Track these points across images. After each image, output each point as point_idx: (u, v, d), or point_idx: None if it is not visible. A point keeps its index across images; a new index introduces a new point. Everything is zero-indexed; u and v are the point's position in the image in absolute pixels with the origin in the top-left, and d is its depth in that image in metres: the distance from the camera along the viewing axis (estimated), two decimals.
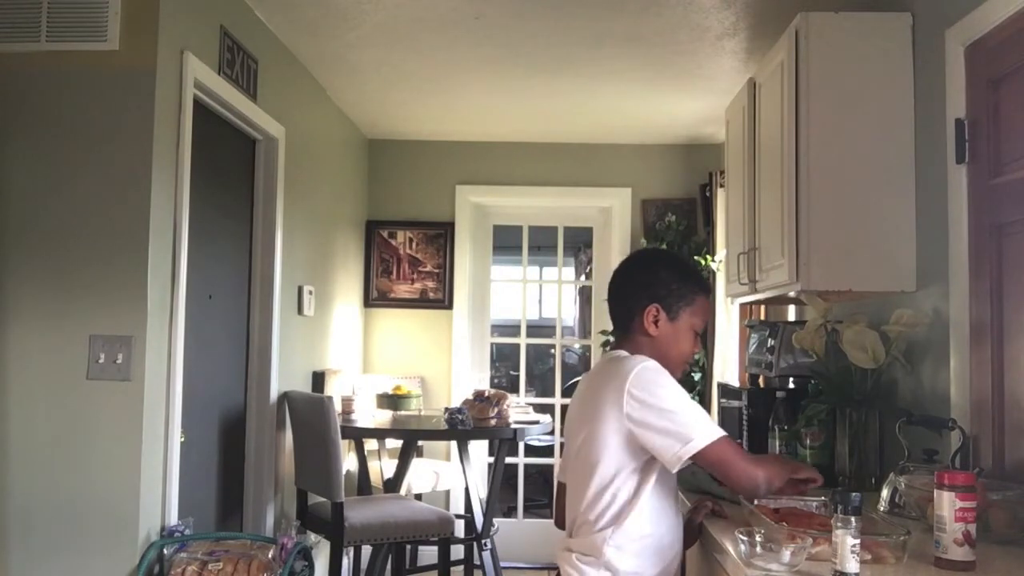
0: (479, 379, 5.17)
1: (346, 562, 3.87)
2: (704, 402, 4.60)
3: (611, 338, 2.00)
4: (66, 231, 2.44)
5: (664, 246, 4.79)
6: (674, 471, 1.72)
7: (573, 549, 1.78)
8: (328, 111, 4.32)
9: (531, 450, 5.23)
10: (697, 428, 1.68)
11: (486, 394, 4.03)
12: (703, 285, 1.93)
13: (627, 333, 1.89)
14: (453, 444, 4.49)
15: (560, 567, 1.81)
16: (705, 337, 4.62)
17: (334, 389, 4.10)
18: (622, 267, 1.96)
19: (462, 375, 5.06)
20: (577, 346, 6.65)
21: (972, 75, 2.14)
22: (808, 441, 2.49)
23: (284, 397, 3.57)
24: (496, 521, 4.08)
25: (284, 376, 3.58)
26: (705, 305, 1.91)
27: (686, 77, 3.81)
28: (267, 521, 3.39)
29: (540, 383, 6.94)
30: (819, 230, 2.44)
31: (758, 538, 1.57)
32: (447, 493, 4.89)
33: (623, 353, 1.83)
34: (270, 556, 2.50)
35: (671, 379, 1.75)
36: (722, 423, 3.22)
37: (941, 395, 2.24)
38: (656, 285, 1.86)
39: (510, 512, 5.32)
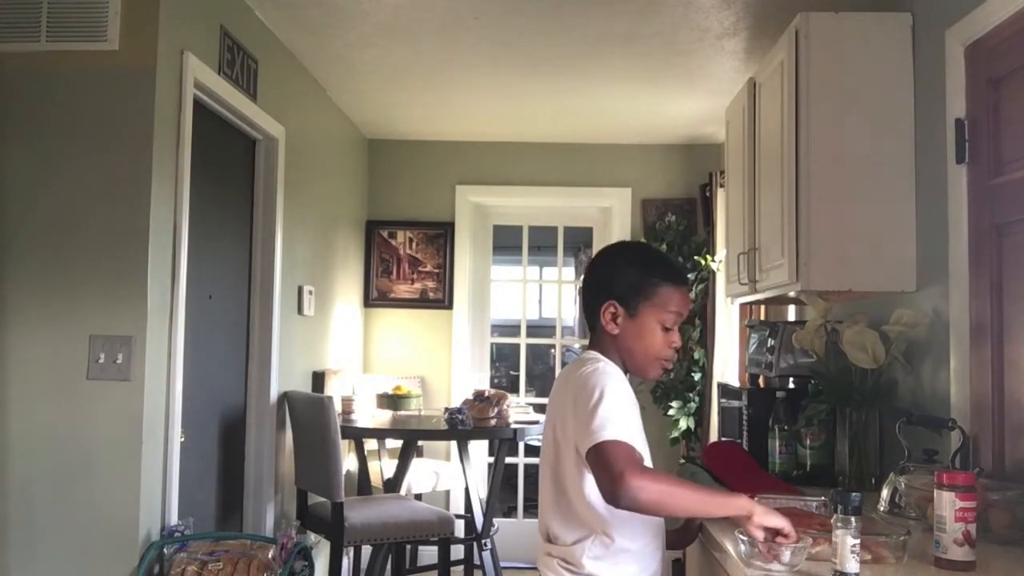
0: (479, 379, 5.17)
1: (346, 562, 3.87)
2: (704, 402, 4.60)
3: None
4: (66, 231, 2.44)
5: (664, 246, 4.79)
6: (581, 480, 1.61)
7: (555, 555, 1.72)
8: (328, 111, 4.32)
9: (531, 450, 5.22)
10: (605, 425, 1.52)
11: (486, 394, 4.03)
12: (670, 275, 1.74)
13: (594, 333, 1.78)
14: (453, 444, 4.49)
15: (542, 572, 1.77)
16: (705, 337, 4.62)
17: (334, 389, 4.10)
18: (588, 265, 1.86)
19: (462, 375, 5.06)
20: (577, 346, 6.65)
21: (972, 75, 2.14)
22: (808, 441, 2.49)
23: (284, 397, 3.57)
24: (496, 521, 4.08)
25: (284, 376, 3.57)
26: (674, 297, 1.72)
27: (686, 77, 3.81)
28: (267, 521, 3.39)
29: (540, 383, 6.94)
30: (819, 230, 2.44)
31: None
32: (447, 493, 4.89)
33: (591, 354, 1.73)
34: (270, 556, 2.50)
35: (613, 383, 1.61)
36: (722, 423, 3.23)
37: (941, 395, 2.24)
38: (612, 280, 1.73)
39: (510, 512, 5.32)
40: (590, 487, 1.61)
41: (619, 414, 1.57)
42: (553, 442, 1.71)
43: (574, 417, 1.60)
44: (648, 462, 1.71)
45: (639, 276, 1.72)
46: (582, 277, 1.87)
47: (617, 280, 1.73)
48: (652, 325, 1.71)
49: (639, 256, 1.81)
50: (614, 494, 1.46)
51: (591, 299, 1.77)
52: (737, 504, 1.54)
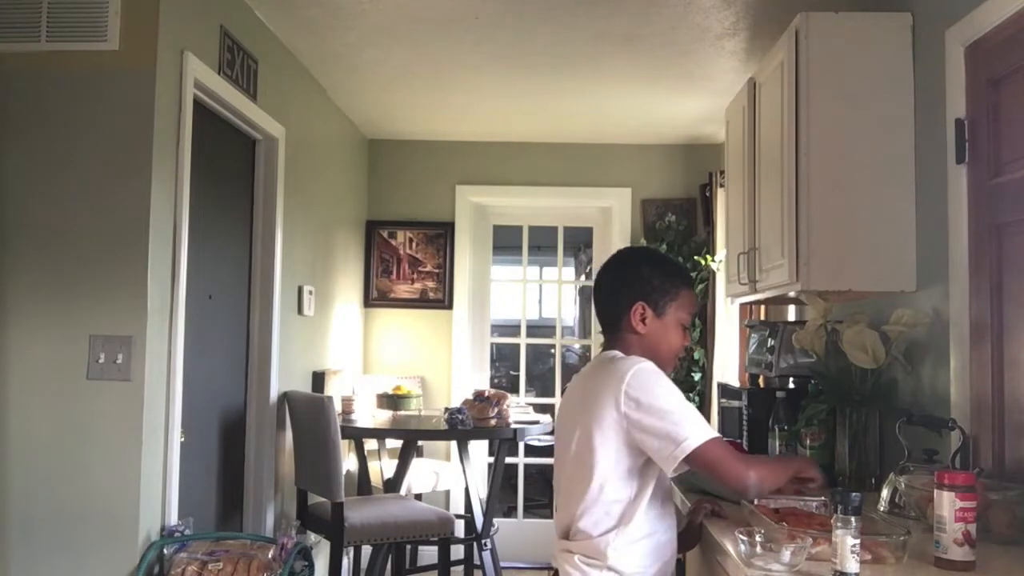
0: (479, 379, 5.17)
1: (346, 562, 3.87)
2: (704, 402, 4.61)
3: None
4: (66, 231, 2.44)
5: (664, 246, 4.79)
6: (670, 474, 1.71)
7: (574, 551, 1.75)
8: (328, 111, 4.32)
9: (531, 450, 5.23)
10: (690, 429, 1.66)
11: (486, 394, 4.03)
12: (685, 278, 1.92)
13: (616, 333, 1.88)
14: (453, 444, 4.49)
15: (560, 568, 1.79)
16: (705, 337, 4.62)
17: (334, 389, 4.10)
18: (605, 268, 1.96)
19: (462, 375, 5.06)
20: (577, 346, 6.65)
21: (972, 75, 2.14)
22: (808, 441, 2.49)
23: (284, 397, 3.57)
24: (496, 521, 4.08)
25: (284, 376, 3.58)
26: (690, 298, 1.90)
27: (686, 77, 3.81)
28: (267, 521, 3.39)
29: (540, 383, 6.93)
30: (819, 230, 2.44)
31: (758, 538, 1.58)
32: (447, 493, 4.89)
33: (617, 353, 1.82)
34: (270, 556, 2.50)
35: (667, 380, 1.74)
36: (722, 423, 3.23)
37: (941, 395, 2.24)
38: (640, 283, 1.86)
39: (510, 512, 5.32)
40: (625, 478, 1.71)
41: (691, 408, 1.70)
42: (577, 438, 1.75)
43: (650, 416, 1.68)
44: None
45: (665, 279, 1.87)
46: (597, 280, 1.97)
47: (645, 283, 1.86)
48: (675, 325, 1.87)
49: (661, 261, 1.95)
50: (744, 490, 1.71)
51: (614, 301, 1.88)
52: (796, 465, 1.86)
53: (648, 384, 1.70)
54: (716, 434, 1.69)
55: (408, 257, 5.11)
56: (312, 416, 3.39)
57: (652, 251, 2.11)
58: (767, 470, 1.73)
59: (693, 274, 4.66)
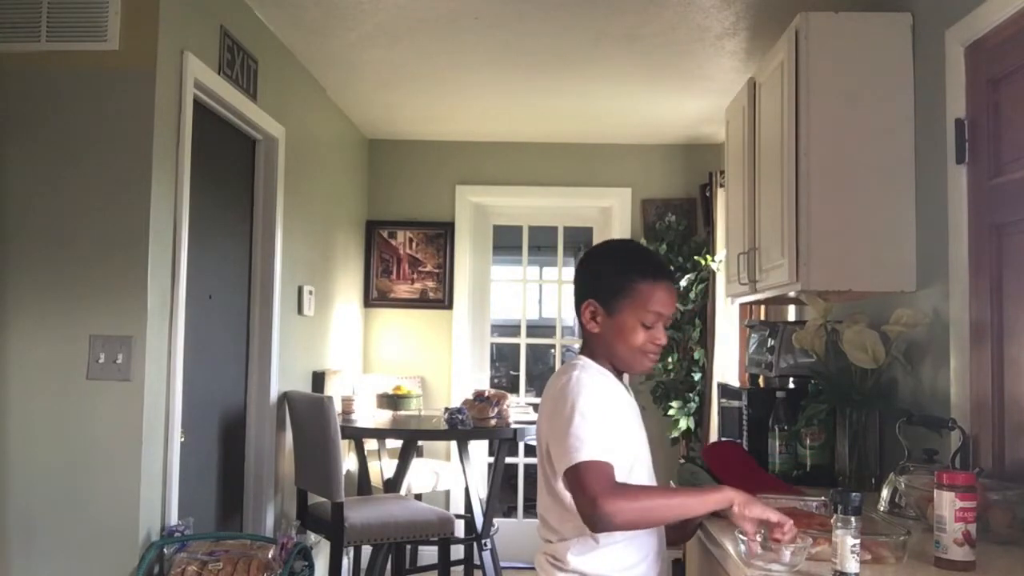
0: (479, 379, 5.17)
1: (346, 562, 3.87)
2: (704, 402, 4.60)
3: None
4: (66, 231, 2.44)
5: (664, 246, 4.79)
6: (558, 485, 1.61)
7: (546, 551, 1.73)
8: (328, 111, 4.32)
9: (531, 450, 5.21)
10: (580, 444, 1.52)
11: (486, 394, 4.03)
12: (649, 273, 1.68)
13: (582, 333, 1.77)
14: (453, 444, 4.49)
15: (536, 568, 1.79)
16: (705, 337, 4.62)
17: (334, 389, 4.10)
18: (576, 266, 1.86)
19: (462, 375, 5.06)
20: (577, 346, 6.65)
21: (972, 75, 2.14)
22: (808, 441, 2.49)
23: (284, 397, 3.57)
24: (496, 521, 4.08)
25: (284, 376, 3.57)
26: (652, 294, 1.66)
27: (686, 77, 3.81)
28: (267, 521, 3.39)
29: (540, 383, 6.93)
30: (819, 230, 2.44)
31: (758, 538, 1.57)
32: (447, 493, 4.89)
33: (575, 360, 1.73)
34: (270, 556, 2.50)
35: (588, 393, 1.60)
36: (722, 423, 3.22)
37: (941, 395, 2.24)
38: (591, 280, 1.72)
39: (510, 512, 5.32)
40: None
41: (592, 429, 1.55)
42: (541, 442, 1.72)
43: (551, 435, 1.62)
44: (647, 463, 1.72)
45: (617, 274, 1.70)
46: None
47: (595, 279, 1.72)
48: (632, 324, 1.68)
49: (618, 254, 1.79)
50: (590, 520, 1.49)
51: (575, 299, 1.76)
52: (716, 498, 1.55)
53: (569, 394, 1.59)
54: (600, 458, 1.52)
55: (408, 257, 5.11)
56: (312, 416, 3.39)
57: (617, 244, 1.94)
58: (637, 504, 1.50)
59: (692, 275, 4.65)
